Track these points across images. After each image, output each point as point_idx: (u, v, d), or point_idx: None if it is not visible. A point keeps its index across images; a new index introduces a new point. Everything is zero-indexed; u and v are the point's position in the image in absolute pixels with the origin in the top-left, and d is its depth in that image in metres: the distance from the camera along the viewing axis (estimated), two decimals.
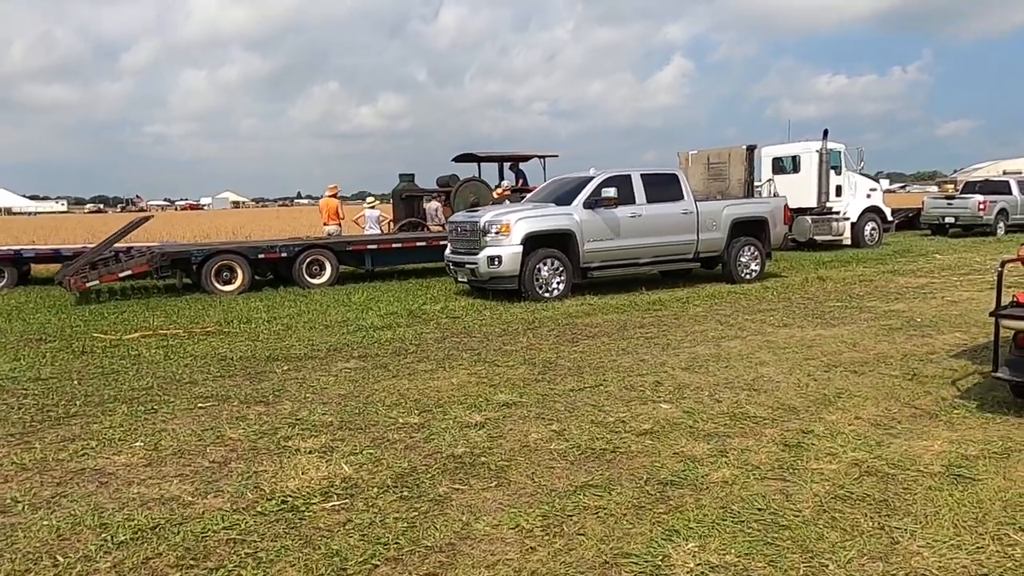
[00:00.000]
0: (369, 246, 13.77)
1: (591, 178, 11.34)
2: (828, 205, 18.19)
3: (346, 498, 3.86)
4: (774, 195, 16.30)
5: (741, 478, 4.03)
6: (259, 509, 3.73)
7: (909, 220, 24.11)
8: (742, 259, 12.34)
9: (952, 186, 36.75)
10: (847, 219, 18.44)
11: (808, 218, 18.08)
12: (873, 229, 18.93)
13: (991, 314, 5.24)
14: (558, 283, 10.83)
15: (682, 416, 5.15)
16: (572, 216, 10.91)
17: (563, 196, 11.37)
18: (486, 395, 5.79)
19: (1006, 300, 5.27)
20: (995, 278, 5.36)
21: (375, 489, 3.96)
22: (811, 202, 18.09)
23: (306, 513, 3.68)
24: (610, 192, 10.92)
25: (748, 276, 12.36)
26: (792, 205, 18.02)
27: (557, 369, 6.64)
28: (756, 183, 17.76)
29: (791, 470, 4.13)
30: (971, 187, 23.17)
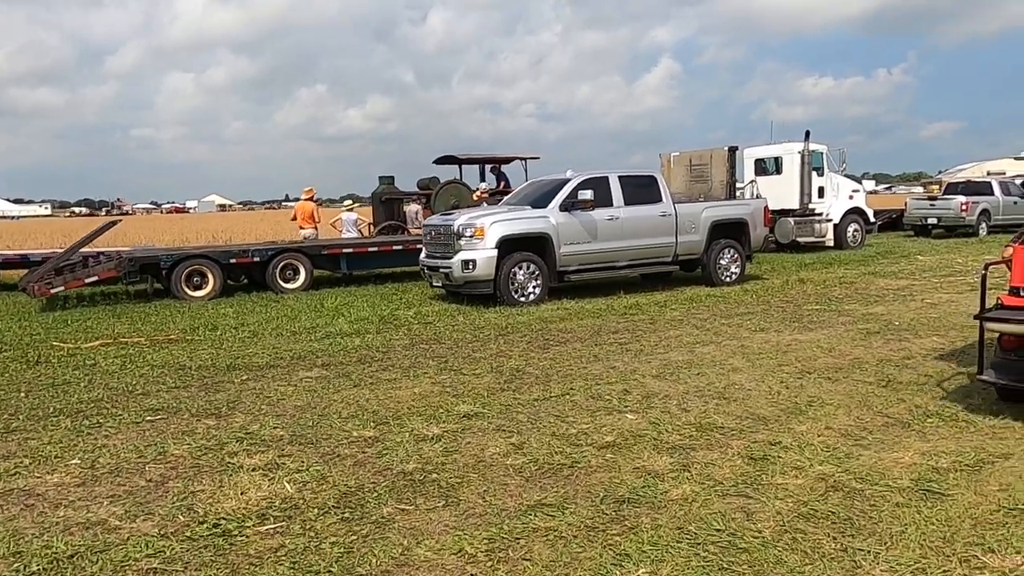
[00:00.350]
0: (344, 250, 13.53)
1: (568, 180, 11.16)
2: (810, 207, 18.08)
3: (283, 521, 3.64)
4: (757, 196, 16.17)
5: (702, 495, 3.84)
6: (188, 534, 3.51)
7: (893, 221, 24.06)
8: (722, 262, 12.19)
9: (936, 187, 36.81)
10: (829, 220, 18.35)
11: (790, 220, 17.96)
12: (856, 230, 18.84)
13: (976, 317, 5.15)
14: (534, 287, 10.63)
15: (647, 427, 4.96)
16: (548, 219, 10.72)
17: (539, 199, 11.18)
18: (447, 406, 5.59)
19: (990, 302, 5.18)
20: (975, 280, 5.24)
21: (315, 510, 3.75)
22: (793, 204, 17.98)
23: (238, 538, 3.46)
24: (587, 194, 10.74)
25: (728, 279, 12.20)
26: (774, 207, 17.91)
27: (524, 377, 6.44)
28: (738, 184, 17.67)
29: (755, 486, 3.95)
30: (954, 188, 23.15)
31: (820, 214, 18.24)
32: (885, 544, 3.26)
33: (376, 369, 6.89)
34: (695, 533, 3.40)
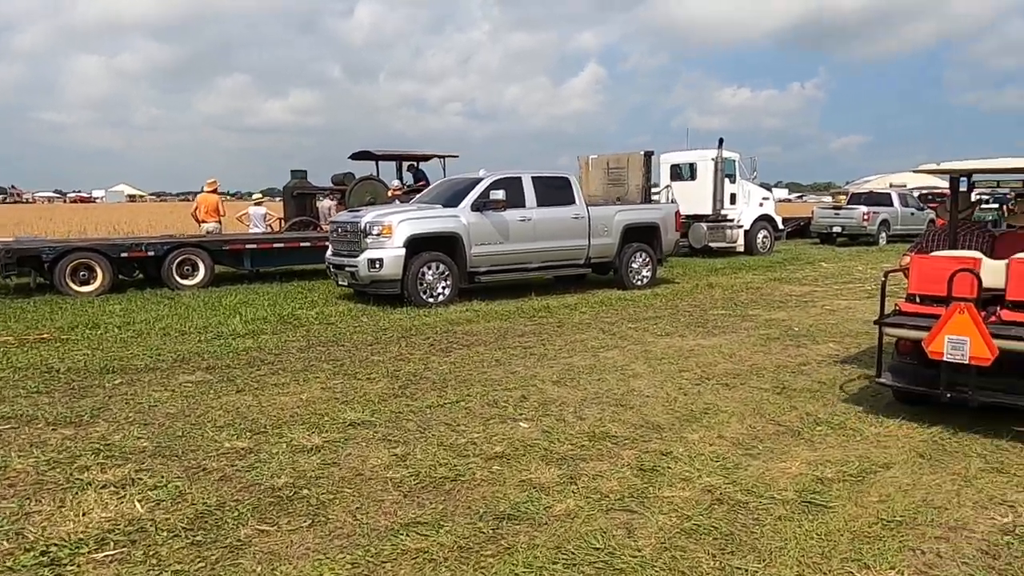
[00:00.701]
0: (248, 245, 12.92)
1: (480, 180, 10.95)
2: (723, 212, 18.45)
3: (124, 546, 3.28)
4: (672, 201, 16.39)
5: (586, 510, 3.68)
6: (11, 563, 3.11)
7: (800, 229, 24.90)
8: (633, 265, 12.22)
9: (842, 197, 38.42)
10: (741, 226, 18.76)
11: (704, 225, 18.29)
12: (765, 237, 19.35)
13: (875, 322, 5.31)
14: (443, 288, 10.37)
15: (540, 436, 4.79)
16: (459, 218, 10.48)
17: (451, 198, 10.92)
18: (334, 413, 5.28)
19: (889, 309, 5.36)
20: (873, 287, 5.38)
21: (164, 533, 3.40)
22: (707, 209, 18.31)
23: (67, 567, 3.09)
24: (499, 194, 10.55)
25: (640, 282, 12.25)
26: (689, 212, 18.25)
27: (421, 382, 6.19)
28: (655, 189, 17.87)
29: (641, 499, 3.82)
30: (857, 198, 24.14)
31: (732, 220, 18.64)
32: (764, 561, 3.17)
33: (265, 373, 6.50)
34: (572, 553, 3.23)
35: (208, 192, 14.69)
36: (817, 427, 5.00)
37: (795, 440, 4.76)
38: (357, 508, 3.70)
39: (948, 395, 4.86)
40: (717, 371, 6.58)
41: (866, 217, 21.94)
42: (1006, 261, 5.15)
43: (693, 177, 18.76)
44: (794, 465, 4.30)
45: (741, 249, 18.76)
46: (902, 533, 3.43)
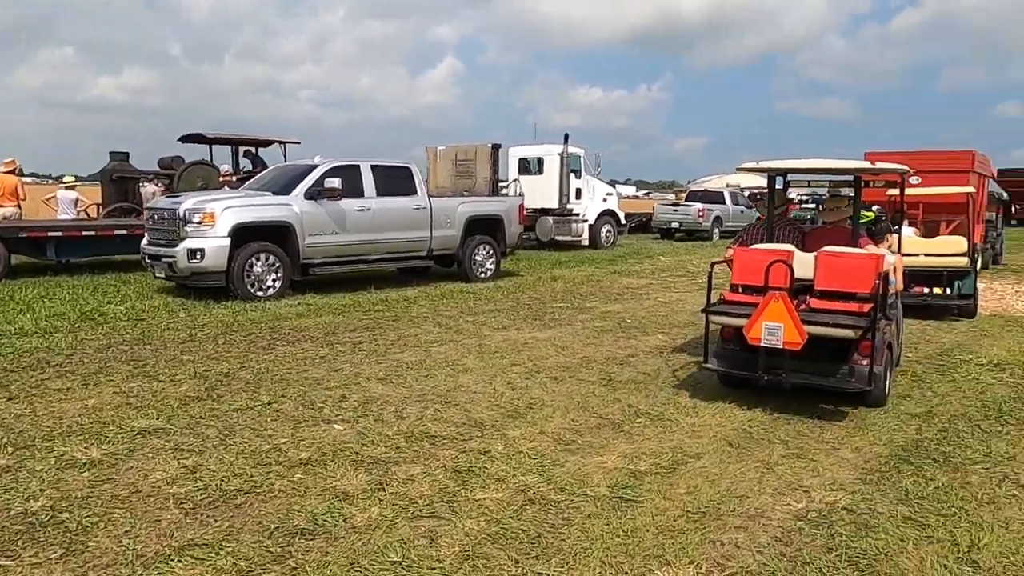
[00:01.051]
0: (52, 233, 11.59)
1: (315, 167, 10.39)
2: (569, 207, 18.80)
3: None
4: (520, 195, 16.45)
5: (390, 519, 3.43)
6: None
7: (643, 224, 25.96)
8: (477, 258, 12.11)
9: (683, 194, 40.55)
10: (586, 221, 19.22)
11: (550, 219, 18.57)
12: (609, 231, 19.94)
13: (702, 311, 5.62)
14: (274, 281, 9.75)
15: (353, 439, 4.49)
16: (291, 207, 9.88)
17: (283, 185, 10.28)
18: (122, 421, 4.70)
19: (715, 298, 5.66)
20: (704, 280, 5.63)
21: None
22: (553, 203, 18.58)
23: None
24: (335, 183, 10.05)
25: (483, 275, 12.16)
26: (536, 206, 18.45)
27: (232, 383, 5.68)
28: (503, 182, 17.91)
29: (451, 504, 3.62)
30: (694, 196, 25.50)
31: (577, 214, 19.04)
32: (567, 564, 3.06)
33: (48, 376, 5.73)
34: (366, 568, 2.97)
35: (5, 173, 13.04)
36: (637, 419, 5.03)
37: (615, 433, 4.75)
38: (125, 532, 3.24)
39: (766, 378, 5.20)
40: (548, 364, 6.54)
41: (701, 214, 23.20)
42: (815, 254, 5.53)
43: (540, 171, 18.98)
44: (611, 459, 4.26)
45: (586, 243, 19.21)
46: (705, 525, 3.45)
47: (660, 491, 3.81)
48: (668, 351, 7.18)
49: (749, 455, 4.38)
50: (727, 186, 34.06)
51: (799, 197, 32.29)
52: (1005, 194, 20.41)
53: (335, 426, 4.73)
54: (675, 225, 23.73)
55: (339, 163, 10.54)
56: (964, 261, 9.33)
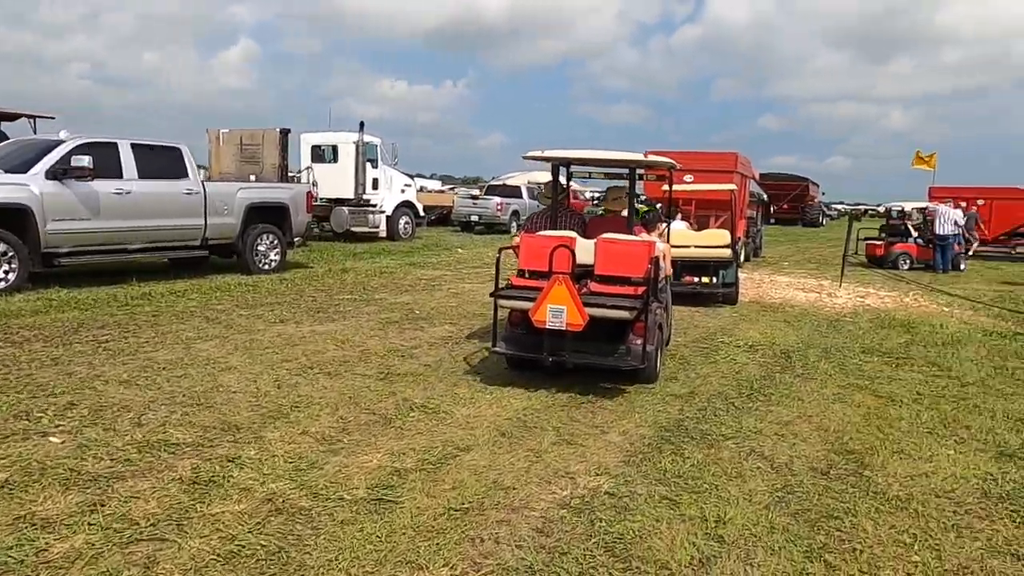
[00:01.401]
0: None
1: (60, 142, 9.06)
2: (365, 197, 18.23)
3: None
4: (313, 183, 15.61)
5: (98, 546, 2.89)
6: None
7: (443, 217, 25.93)
8: (260, 248, 11.26)
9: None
10: (383, 212, 18.74)
11: (345, 209, 17.88)
12: (407, 223, 19.61)
13: (491, 295, 5.66)
14: (6, 272, 8.37)
15: (70, 453, 3.81)
16: (28, 187, 8.52)
17: (19, 163, 8.86)
18: None
19: (503, 284, 5.72)
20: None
21: None
22: (349, 193, 17.91)
23: None
24: (84, 161, 8.81)
25: (267, 267, 11.34)
26: (331, 195, 17.69)
27: None
28: (298, 172, 16.97)
29: (181, 522, 3.13)
30: (493, 190, 25.87)
31: (374, 205, 18.52)
32: None
33: None
34: None
35: None
36: (411, 413, 4.78)
37: (385, 429, 4.46)
38: None
39: (550, 359, 5.33)
40: (324, 359, 6.11)
41: (499, 208, 23.58)
42: (595, 240, 5.72)
43: (335, 160, 18.23)
44: (376, 458, 3.97)
45: (384, 235, 18.75)
46: (466, 522, 3.26)
47: (423, 489, 3.58)
48: (453, 342, 7.02)
49: (520, 444, 4.28)
50: (528, 183, 35.08)
51: (592, 195, 34.04)
52: (766, 195, 22.80)
53: (51, 439, 4.00)
54: (475, 218, 23.93)
55: (90, 140, 9.28)
56: (728, 253, 10.12)
